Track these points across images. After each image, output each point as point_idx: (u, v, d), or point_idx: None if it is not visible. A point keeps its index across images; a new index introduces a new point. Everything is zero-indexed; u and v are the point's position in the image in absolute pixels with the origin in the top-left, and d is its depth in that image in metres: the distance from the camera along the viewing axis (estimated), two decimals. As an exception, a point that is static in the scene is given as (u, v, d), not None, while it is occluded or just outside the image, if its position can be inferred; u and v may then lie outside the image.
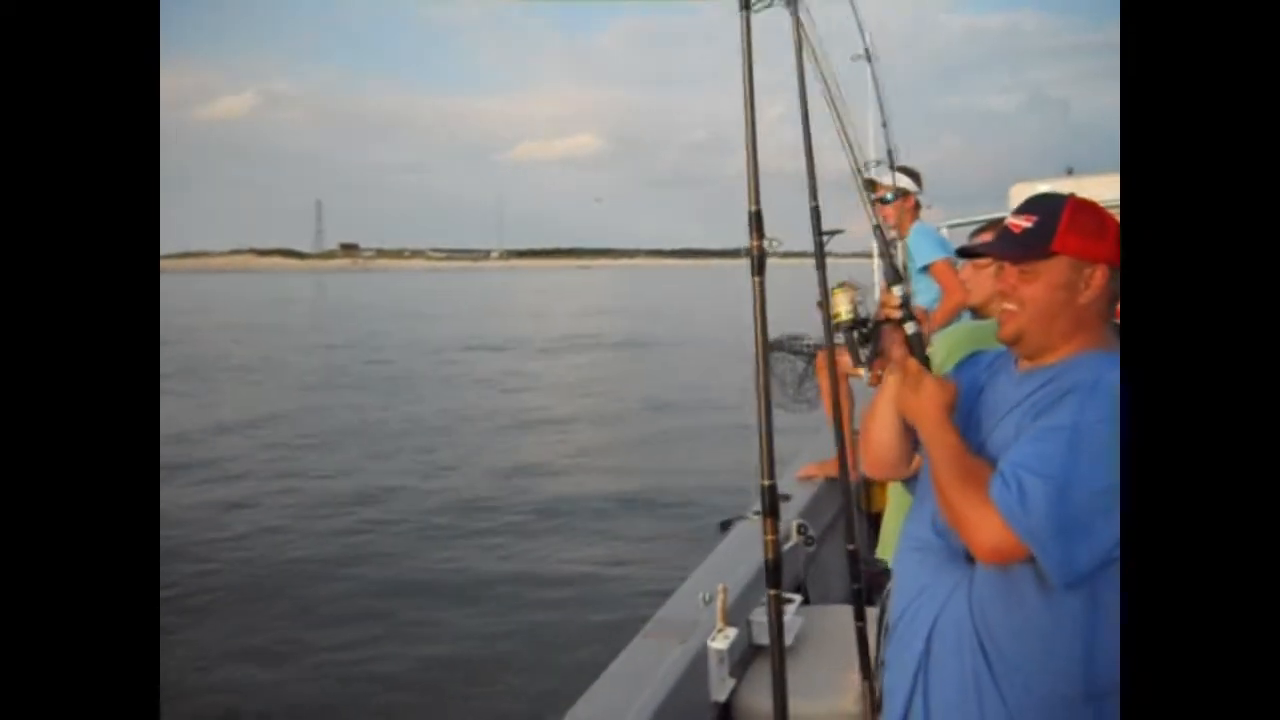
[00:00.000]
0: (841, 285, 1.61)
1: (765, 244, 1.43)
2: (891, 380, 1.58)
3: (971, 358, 1.69)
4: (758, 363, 1.48)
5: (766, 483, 1.45)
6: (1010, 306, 1.50)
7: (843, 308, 1.60)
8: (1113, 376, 1.38)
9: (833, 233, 1.46)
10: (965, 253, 1.79)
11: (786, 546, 1.68)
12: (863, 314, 1.62)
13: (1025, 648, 1.40)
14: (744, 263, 1.43)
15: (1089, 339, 1.49)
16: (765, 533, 1.45)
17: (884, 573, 1.58)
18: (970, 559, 1.45)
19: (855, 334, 1.61)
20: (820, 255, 1.49)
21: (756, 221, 1.44)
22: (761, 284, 1.42)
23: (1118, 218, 1.32)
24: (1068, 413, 1.37)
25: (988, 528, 1.34)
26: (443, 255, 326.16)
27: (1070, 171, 7.01)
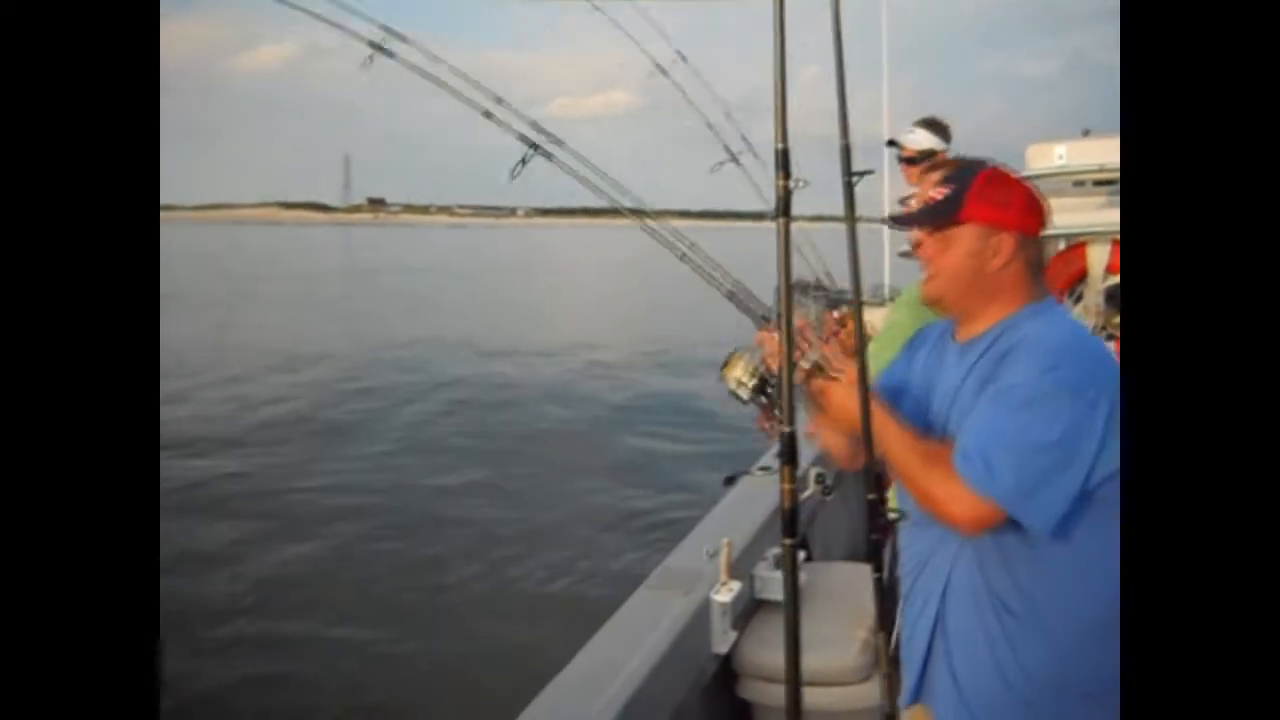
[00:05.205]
0: (734, 354, 1.64)
1: (791, 184, 1.38)
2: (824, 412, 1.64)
3: (920, 334, 1.78)
4: (781, 309, 1.44)
5: (786, 429, 1.41)
6: (929, 271, 1.60)
7: (744, 376, 1.62)
8: (1035, 326, 1.52)
9: (864, 173, 1.41)
10: (894, 220, 1.81)
11: (804, 495, 1.65)
12: (764, 373, 1.63)
13: (1027, 602, 1.48)
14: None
15: (1008, 303, 1.57)
16: (783, 480, 1.42)
17: (893, 524, 1.60)
18: None
19: (766, 393, 1.62)
20: (849, 199, 1.44)
21: (783, 160, 1.39)
22: (786, 225, 1.37)
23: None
24: (1007, 376, 1.47)
25: (961, 502, 1.43)
26: (469, 211, 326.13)
27: (1087, 133, 6.87)
